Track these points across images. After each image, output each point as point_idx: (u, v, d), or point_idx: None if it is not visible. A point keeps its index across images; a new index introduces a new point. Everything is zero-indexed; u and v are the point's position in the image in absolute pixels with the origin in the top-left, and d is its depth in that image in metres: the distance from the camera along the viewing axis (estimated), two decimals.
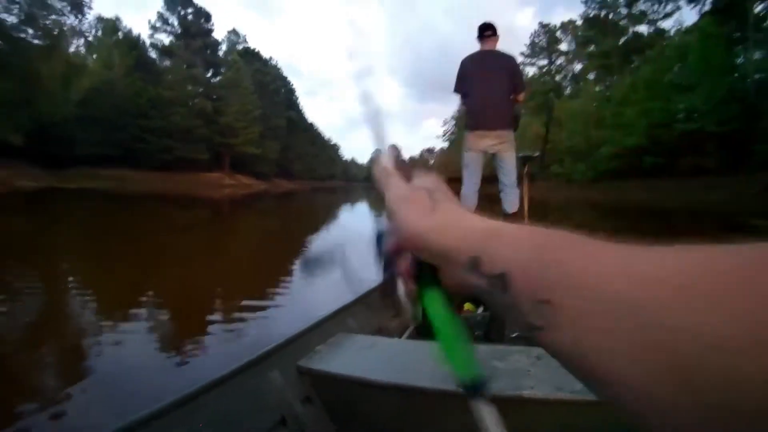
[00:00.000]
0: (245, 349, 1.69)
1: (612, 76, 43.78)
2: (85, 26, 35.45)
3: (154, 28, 45.93)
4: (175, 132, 40.95)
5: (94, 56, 42.62)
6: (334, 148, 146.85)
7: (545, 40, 58.34)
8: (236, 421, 1.27)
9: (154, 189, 28.06)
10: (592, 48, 47.15)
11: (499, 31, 3.95)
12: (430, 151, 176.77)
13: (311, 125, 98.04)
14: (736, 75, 25.07)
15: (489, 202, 4.72)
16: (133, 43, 42.82)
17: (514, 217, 3.67)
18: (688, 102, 25.68)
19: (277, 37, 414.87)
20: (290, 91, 76.16)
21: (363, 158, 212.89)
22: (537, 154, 4.10)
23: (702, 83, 24.54)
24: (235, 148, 48.21)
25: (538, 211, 15.06)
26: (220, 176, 45.38)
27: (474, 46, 3.99)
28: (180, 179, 37.96)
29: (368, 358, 1.56)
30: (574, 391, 1.24)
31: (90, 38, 37.85)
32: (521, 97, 3.83)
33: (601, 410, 1.09)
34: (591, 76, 48.14)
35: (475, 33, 3.97)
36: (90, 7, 33.95)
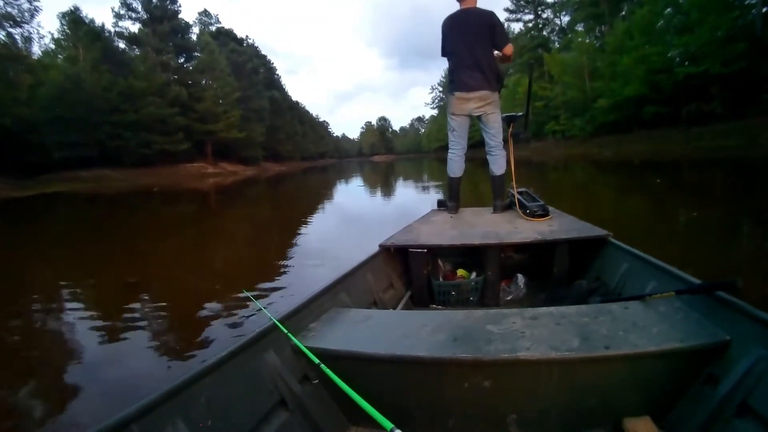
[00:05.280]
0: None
1: (602, 26, 41.89)
2: (16, 11, 32.45)
3: (118, 15, 43.28)
4: (151, 124, 38.80)
5: (65, 54, 40.36)
6: (323, 126, 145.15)
7: None
8: (235, 405, 1.25)
9: (131, 186, 26.56)
10: None
11: None
12: (420, 120, 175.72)
13: (296, 104, 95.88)
14: (737, 13, 22.96)
15: (478, 165, 4.86)
16: (96, 33, 40.33)
17: (502, 179, 3.68)
18: (690, 42, 23.81)
19: (243, 16, 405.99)
20: (270, 70, 73.74)
21: (353, 133, 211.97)
22: (520, 114, 3.96)
23: (704, 21, 22.65)
24: (217, 134, 46.18)
25: (535, 173, 13.99)
26: (202, 165, 43.47)
27: (452, 5, 3.75)
28: (161, 173, 36.15)
29: (364, 331, 1.58)
30: (570, 350, 1.27)
31: (31, 27, 34.67)
32: (508, 49, 3.62)
33: (596, 367, 1.29)
34: (580, 27, 46.20)
35: None
36: None
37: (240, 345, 1.34)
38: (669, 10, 26.66)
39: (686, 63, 24.77)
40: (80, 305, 4.27)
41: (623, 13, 36.96)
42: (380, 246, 2.66)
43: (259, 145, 56.46)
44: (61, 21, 41.02)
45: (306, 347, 1.42)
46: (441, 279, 2.74)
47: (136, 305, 3.99)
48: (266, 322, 1.50)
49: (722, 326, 1.32)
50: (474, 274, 2.74)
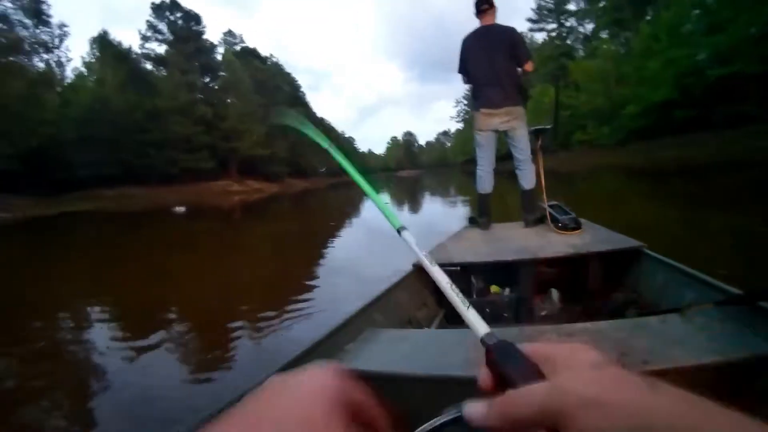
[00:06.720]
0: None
1: (626, 31, 41.09)
2: (48, 38, 34.04)
3: (144, 38, 44.72)
4: (176, 142, 39.52)
5: (95, 76, 41.59)
6: (348, 141, 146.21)
7: (552, 1, 55.42)
8: None
9: (156, 204, 26.56)
10: (602, 3, 44.31)
11: (497, 3, 3.81)
12: (445, 134, 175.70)
13: (321, 120, 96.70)
14: None
15: (507, 180, 4.80)
16: (123, 55, 41.49)
17: (532, 192, 3.69)
18: (720, 42, 22.86)
19: (261, 34, 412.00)
20: (294, 87, 74.69)
21: (380, 148, 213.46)
22: (549, 126, 3.96)
23: (736, 19, 21.73)
24: (241, 151, 46.81)
25: (564, 185, 13.50)
26: (227, 183, 43.98)
27: (471, 19, 3.90)
28: (185, 191, 36.56)
29: (399, 351, 1.55)
30: None
31: (60, 52, 36.77)
32: (529, 66, 3.72)
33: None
34: (604, 34, 45.45)
35: (470, 5, 3.89)
36: (48, 14, 32.73)
37: (277, 369, 1.31)
38: (696, 11, 25.85)
39: (716, 65, 23.81)
40: (114, 327, 4.20)
41: (648, 17, 36.17)
42: (413, 265, 2.63)
43: (283, 161, 56.98)
44: (91, 45, 42.64)
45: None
46: (474, 296, 2.71)
47: (166, 327, 3.96)
48: (303, 344, 1.51)
49: (767, 338, 1.23)
50: (507, 291, 2.71)
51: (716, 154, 19.93)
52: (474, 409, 0.31)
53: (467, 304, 0.41)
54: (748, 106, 22.79)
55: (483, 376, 0.35)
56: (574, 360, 0.30)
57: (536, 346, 0.34)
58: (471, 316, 0.39)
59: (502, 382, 0.33)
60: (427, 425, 0.40)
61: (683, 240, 5.16)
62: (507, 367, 0.33)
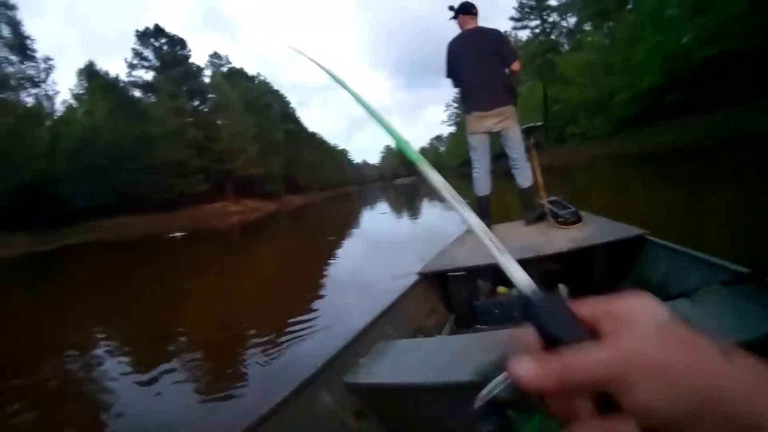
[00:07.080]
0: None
1: (609, 22, 41.15)
2: (35, 72, 34.39)
3: (131, 66, 44.87)
4: (169, 168, 39.45)
5: (83, 108, 41.67)
6: (342, 153, 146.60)
7: None
8: None
9: (152, 231, 26.34)
10: None
11: (479, 7, 3.89)
12: (438, 138, 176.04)
13: (313, 134, 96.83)
14: None
15: (503, 179, 4.83)
16: (111, 84, 41.51)
17: (530, 190, 3.70)
18: (708, 23, 22.71)
19: (246, 55, 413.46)
20: (285, 104, 74.89)
21: (374, 158, 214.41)
22: (540, 123, 4.04)
23: None
24: (236, 172, 46.82)
25: (561, 179, 13.40)
26: (224, 204, 43.98)
27: (452, 24, 3.95)
28: (183, 216, 36.45)
29: (412, 361, 1.58)
30: None
31: (47, 86, 37.28)
32: (516, 66, 3.78)
33: None
34: (587, 26, 45.52)
35: (450, 11, 3.95)
36: (33, 49, 33.27)
37: (294, 389, 1.37)
38: None
39: (702, 46, 23.71)
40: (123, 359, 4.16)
41: (629, 5, 36.24)
42: (419, 273, 2.70)
43: (279, 178, 56.98)
44: (78, 77, 42.77)
45: (357, 383, 1.48)
46: (482, 299, 2.72)
47: (175, 353, 3.99)
48: (317, 363, 1.52)
49: None
50: (515, 290, 2.63)
51: (708, 136, 19.84)
52: (524, 365, 0.27)
53: (505, 252, 0.36)
54: (736, 83, 22.71)
55: (526, 335, 0.29)
56: (637, 315, 0.27)
57: (591, 302, 0.30)
58: (512, 267, 0.34)
59: (549, 345, 0.28)
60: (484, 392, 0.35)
61: (686, 223, 5.06)
62: (554, 326, 0.29)
